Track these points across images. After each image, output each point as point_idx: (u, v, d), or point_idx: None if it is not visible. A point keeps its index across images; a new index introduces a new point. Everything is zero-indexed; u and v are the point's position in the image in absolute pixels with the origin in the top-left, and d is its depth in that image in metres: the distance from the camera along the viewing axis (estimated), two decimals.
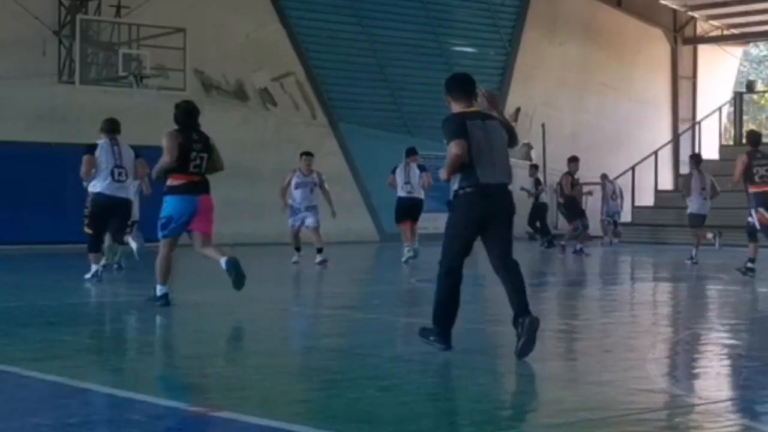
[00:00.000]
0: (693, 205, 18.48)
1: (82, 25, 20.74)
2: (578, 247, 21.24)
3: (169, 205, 10.40)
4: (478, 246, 7.78)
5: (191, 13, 22.19)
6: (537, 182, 24.52)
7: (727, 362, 7.79)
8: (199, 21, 22.37)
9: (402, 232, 18.43)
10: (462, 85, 7.78)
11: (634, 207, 28.08)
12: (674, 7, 31.02)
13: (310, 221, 16.94)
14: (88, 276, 13.10)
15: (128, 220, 13.73)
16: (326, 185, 17.24)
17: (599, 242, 26.55)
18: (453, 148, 7.42)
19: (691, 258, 17.79)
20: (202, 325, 9.81)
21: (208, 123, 25.62)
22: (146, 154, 17.32)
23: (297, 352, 8.24)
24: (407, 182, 18.11)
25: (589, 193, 24.08)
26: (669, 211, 27.41)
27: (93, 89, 20.94)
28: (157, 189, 12.54)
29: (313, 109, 24.96)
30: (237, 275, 10.27)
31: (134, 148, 14.01)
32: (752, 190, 14.63)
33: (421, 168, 18.20)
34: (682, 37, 32.05)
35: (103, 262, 13.45)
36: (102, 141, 13.19)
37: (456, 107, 7.71)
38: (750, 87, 34.35)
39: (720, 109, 31.06)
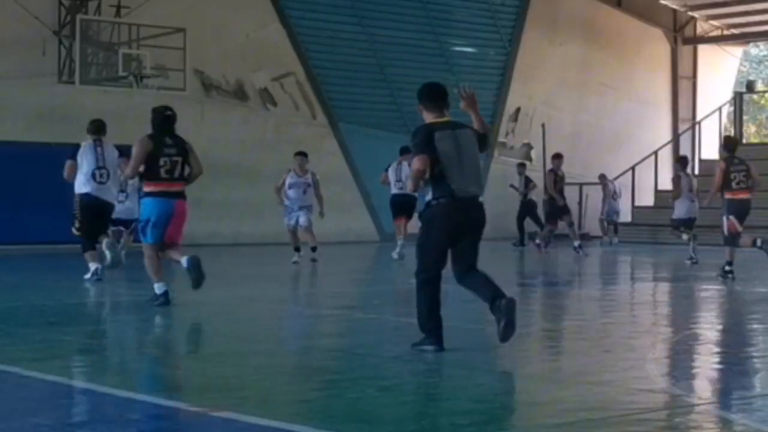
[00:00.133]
0: (681, 208, 18.56)
1: (82, 25, 20.74)
2: (538, 242, 21.24)
3: (147, 208, 10.53)
4: (479, 246, 7.78)
5: (191, 13, 22.19)
6: (527, 181, 24.41)
7: (727, 362, 7.79)
8: (199, 21, 22.36)
9: (396, 228, 18.61)
10: (434, 95, 7.87)
11: (634, 207, 28.07)
12: (674, 7, 31.01)
13: (302, 220, 17.00)
14: (87, 276, 13.12)
15: (108, 223, 13.73)
16: (320, 186, 17.22)
17: (598, 242, 26.57)
18: (415, 163, 7.56)
19: (691, 258, 17.85)
20: (202, 325, 9.81)
21: (208, 123, 25.90)
22: None
23: (297, 352, 8.24)
24: (399, 180, 18.39)
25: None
26: (669, 211, 27.34)
27: (93, 89, 20.94)
28: None
29: (313, 109, 24.96)
30: (197, 275, 10.39)
31: None
32: (728, 196, 14.69)
33: None
34: (682, 37, 32.04)
35: (107, 261, 13.45)
36: (86, 142, 13.26)
37: (428, 117, 7.81)
38: (750, 87, 34.34)
39: (720, 109, 31.04)
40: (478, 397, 6.25)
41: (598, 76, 29.80)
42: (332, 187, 22.84)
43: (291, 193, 17.10)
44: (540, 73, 28.44)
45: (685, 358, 8.24)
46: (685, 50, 32.18)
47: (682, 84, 32.10)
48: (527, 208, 24.11)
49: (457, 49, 27.34)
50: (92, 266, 13.15)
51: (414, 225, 18.87)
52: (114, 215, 14.80)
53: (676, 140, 31.30)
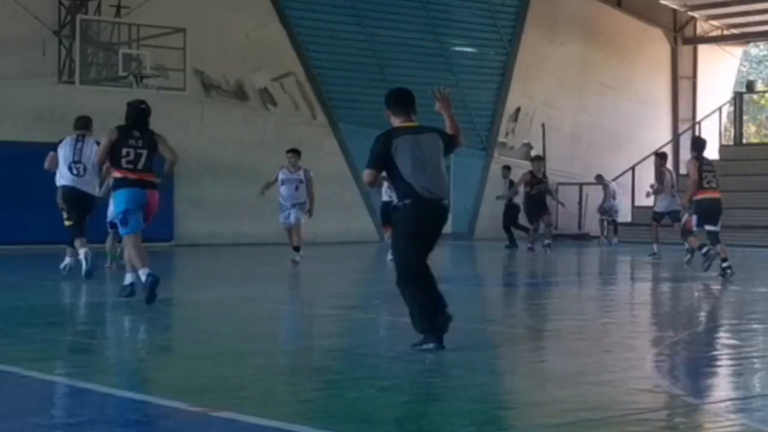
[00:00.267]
0: (663, 202, 18.84)
1: (82, 25, 20.73)
2: (530, 245, 21.27)
3: (121, 198, 10.69)
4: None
5: (191, 13, 22.19)
6: (510, 183, 24.34)
7: (727, 362, 7.79)
8: (199, 21, 22.36)
9: (386, 233, 18.75)
10: (399, 101, 8.11)
11: (634, 207, 28.07)
12: (674, 7, 31.01)
13: (292, 217, 17.02)
14: (61, 266, 13.71)
15: (88, 214, 13.86)
16: (313, 184, 17.12)
17: (597, 242, 26.58)
18: (364, 176, 7.94)
19: (654, 254, 18.38)
20: (202, 325, 9.81)
21: (208, 123, 25.91)
22: None
23: (297, 352, 8.24)
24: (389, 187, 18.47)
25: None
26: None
27: (93, 89, 20.93)
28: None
29: (313, 109, 24.96)
30: (150, 292, 10.52)
31: None
32: (699, 196, 14.77)
33: None
34: (682, 37, 32.03)
35: (69, 256, 13.84)
36: (69, 137, 13.58)
37: (395, 121, 8.04)
38: (750, 87, 34.34)
39: (720, 109, 31.04)
40: (478, 397, 6.25)
41: (598, 76, 29.80)
42: (332, 187, 22.87)
43: (283, 189, 17.14)
44: (540, 73, 28.44)
45: (685, 358, 8.24)
46: (685, 50, 32.17)
47: (682, 84, 32.10)
48: (511, 212, 24.04)
49: (457, 49, 27.34)
50: (68, 259, 13.70)
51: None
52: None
53: (676, 140, 31.30)
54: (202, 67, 23.04)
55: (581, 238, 27.69)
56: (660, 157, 19.74)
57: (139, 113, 10.88)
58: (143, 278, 10.50)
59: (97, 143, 13.47)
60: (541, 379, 6.96)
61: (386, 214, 18.86)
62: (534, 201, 21.72)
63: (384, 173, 8.00)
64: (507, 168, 25.10)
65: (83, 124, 13.80)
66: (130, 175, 10.62)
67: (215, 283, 14.78)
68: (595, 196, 27.70)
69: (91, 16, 21.21)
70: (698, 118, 31.39)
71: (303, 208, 17.05)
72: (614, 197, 27.17)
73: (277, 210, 17.44)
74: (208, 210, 23.19)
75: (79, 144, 13.48)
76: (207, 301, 11.95)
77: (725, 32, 32.32)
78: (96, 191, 13.90)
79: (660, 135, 30.89)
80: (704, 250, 15.39)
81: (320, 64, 25.02)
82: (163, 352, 8.27)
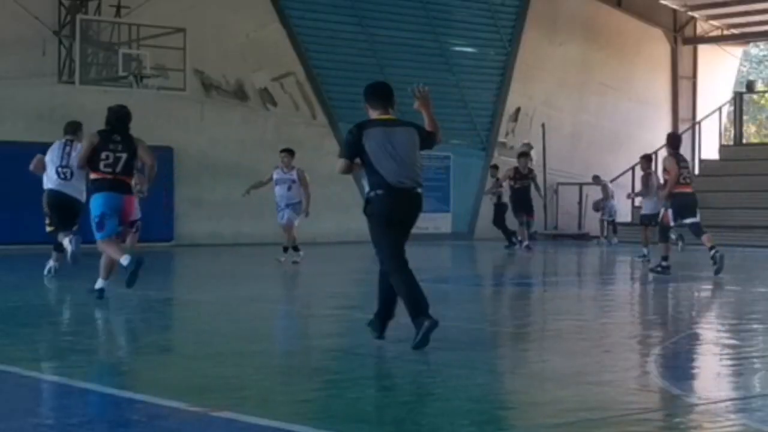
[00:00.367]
0: (650, 204, 18.85)
1: (82, 25, 20.73)
2: (526, 244, 21.30)
3: (98, 203, 10.82)
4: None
5: (191, 13, 22.19)
6: (497, 183, 24.34)
7: (727, 362, 7.79)
8: (199, 21, 22.37)
9: None
10: (376, 94, 8.22)
11: (634, 207, 28.05)
12: (674, 7, 31.01)
13: (285, 217, 17.05)
14: (45, 271, 13.78)
15: (76, 218, 13.90)
16: (307, 183, 17.03)
17: (596, 242, 26.58)
18: (336, 165, 8.16)
19: (644, 256, 18.30)
20: (202, 325, 9.81)
21: (208, 123, 25.90)
22: None
23: (297, 352, 8.23)
24: None
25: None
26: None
27: (93, 89, 20.93)
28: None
29: (313, 109, 24.96)
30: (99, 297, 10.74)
31: None
32: (675, 190, 15.01)
33: None
34: (682, 37, 32.03)
35: (67, 256, 13.88)
36: (57, 141, 13.64)
37: (372, 114, 8.14)
38: (750, 87, 34.33)
39: (720, 109, 31.05)
40: (478, 397, 6.25)
41: (598, 76, 29.80)
42: (332, 187, 22.85)
43: (277, 190, 17.18)
44: (540, 73, 28.44)
45: (685, 358, 8.24)
46: (685, 50, 32.17)
47: (682, 84, 32.10)
48: (499, 211, 24.05)
49: (457, 49, 27.34)
50: (51, 263, 13.82)
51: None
52: None
53: None
54: (202, 67, 23.04)
55: (581, 238, 27.70)
56: (645, 159, 19.72)
57: (119, 118, 11.05)
58: (125, 264, 10.61)
59: None
60: (541, 379, 6.96)
61: None
62: (518, 196, 21.90)
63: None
64: (495, 167, 25.06)
65: (72, 129, 13.86)
66: (108, 178, 10.78)
67: (215, 283, 14.79)
68: (594, 197, 27.70)
69: (91, 16, 21.21)
70: (698, 118, 31.39)
71: (296, 208, 17.03)
72: (612, 197, 27.18)
73: (276, 210, 17.45)
74: (208, 210, 23.19)
75: (68, 148, 13.49)
76: (207, 301, 11.95)
77: (725, 32, 32.32)
78: (83, 196, 13.95)
79: (660, 135, 30.77)
80: (680, 246, 15.60)
81: (320, 64, 25.03)
82: (163, 352, 8.27)
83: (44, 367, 7.18)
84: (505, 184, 22.46)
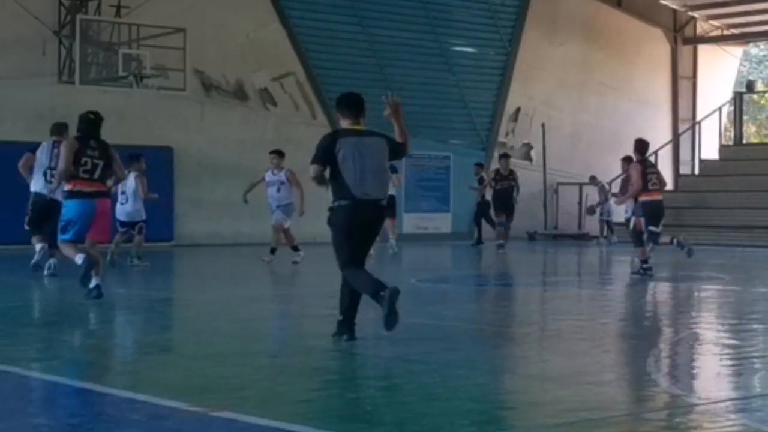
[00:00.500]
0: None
1: (82, 25, 20.73)
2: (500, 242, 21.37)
3: (69, 209, 11.02)
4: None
5: (191, 13, 22.19)
6: (481, 180, 24.35)
7: (727, 362, 7.79)
8: (199, 21, 22.37)
9: None
10: (348, 105, 8.55)
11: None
12: (674, 7, 31.01)
13: (274, 219, 17.07)
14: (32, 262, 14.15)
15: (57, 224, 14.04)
16: (297, 182, 16.86)
17: (596, 242, 26.57)
18: (310, 171, 8.23)
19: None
20: (202, 325, 9.81)
21: (208, 123, 25.86)
22: (147, 154, 17.40)
23: (297, 352, 8.23)
24: None
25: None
26: (669, 211, 27.34)
27: (93, 89, 20.93)
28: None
29: (313, 109, 24.96)
30: (86, 271, 10.78)
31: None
32: (644, 197, 15.00)
33: (392, 169, 18.99)
34: (682, 37, 32.04)
35: (36, 248, 14.38)
36: (45, 142, 13.68)
37: (343, 123, 8.43)
38: (750, 87, 34.34)
39: (720, 109, 31.05)
40: (478, 397, 6.25)
41: (598, 76, 29.80)
42: None
43: (269, 191, 17.21)
44: (540, 73, 28.44)
45: (685, 358, 8.24)
46: (685, 50, 32.17)
47: (682, 84, 32.10)
48: (481, 208, 24.06)
49: (457, 49, 27.34)
50: (38, 247, 14.27)
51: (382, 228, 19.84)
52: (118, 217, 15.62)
53: (676, 140, 31.31)
54: (202, 67, 23.04)
55: (581, 238, 27.70)
56: (626, 161, 19.61)
57: (89, 124, 11.20)
58: (79, 262, 10.80)
59: None
60: (541, 379, 6.96)
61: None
62: (499, 197, 22.10)
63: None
64: (480, 165, 25.04)
65: (58, 130, 13.95)
66: (85, 187, 10.93)
67: (215, 283, 14.79)
68: (595, 197, 27.70)
69: (91, 16, 21.20)
70: (698, 118, 31.40)
71: (287, 209, 16.99)
72: (609, 198, 27.16)
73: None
74: (208, 210, 23.19)
75: (56, 150, 13.54)
76: (207, 301, 11.95)
77: (725, 32, 32.32)
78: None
79: (660, 135, 30.88)
80: (675, 241, 15.65)
81: (320, 64, 25.02)
82: (163, 352, 8.27)
83: (44, 367, 7.18)
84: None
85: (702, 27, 32.25)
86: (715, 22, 31.93)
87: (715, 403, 6.12)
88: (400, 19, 26.14)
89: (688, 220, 26.39)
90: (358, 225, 8.17)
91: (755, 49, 42.51)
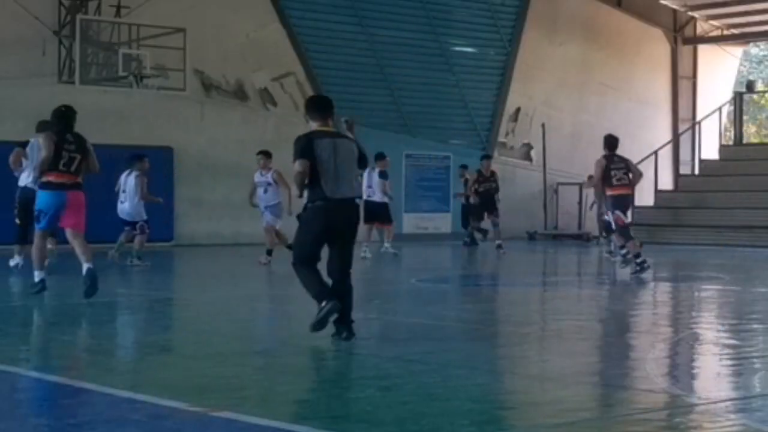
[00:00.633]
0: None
1: (82, 25, 20.72)
2: (466, 240, 21.48)
3: (41, 200, 11.20)
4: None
5: (191, 13, 22.19)
6: (465, 182, 24.38)
7: (727, 362, 7.79)
8: (199, 21, 22.36)
9: (366, 231, 19.18)
10: (317, 107, 8.65)
11: (634, 207, 28.02)
12: (674, 7, 31.00)
13: (263, 220, 17.10)
14: (11, 264, 14.21)
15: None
16: (284, 182, 16.78)
17: (596, 242, 26.55)
18: (296, 167, 8.24)
19: (611, 252, 18.45)
20: (202, 325, 9.81)
21: (208, 123, 25.84)
22: (147, 154, 17.39)
23: (297, 352, 8.24)
24: (369, 186, 19.30)
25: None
26: (669, 211, 27.42)
27: (93, 89, 20.92)
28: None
29: None
30: (90, 285, 10.84)
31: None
32: (609, 192, 15.36)
33: (382, 175, 19.45)
34: (682, 37, 32.03)
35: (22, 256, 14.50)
36: (34, 139, 13.83)
37: (312, 125, 8.52)
38: (750, 87, 34.32)
39: (720, 109, 31.03)
40: (478, 397, 6.25)
41: (598, 76, 29.79)
42: None
43: (257, 192, 17.23)
44: (540, 73, 28.43)
45: (685, 358, 8.24)
46: (685, 50, 32.16)
47: (682, 84, 32.09)
48: (465, 211, 24.07)
49: (457, 49, 27.33)
50: (17, 258, 14.42)
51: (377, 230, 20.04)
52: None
53: (676, 140, 31.30)
54: (202, 67, 23.04)
55: (581, 238, 27.70)
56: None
57: (60, 117, 11.35)
58: (36, 278, 11.16)
59: None
60: (541, 379, 6.96)
61: (372, 215, 19.42)
62: (482, 199, 22.21)
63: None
64: (464, 167, 25.04)
65: (44, 128, 13.99)
66: (62, 178, 11.07)
67: (215, 283, 14.79)
68: (592, 197, 27.68)
69: (91, 16, 21.20)
70: (698, 118, 31.38)
71: (275, 210, 16.95)
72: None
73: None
74: (208, 210, 23.19)
75: None
76: (207, 301, 11.96)
77: (725, 32, 32.31)
78: None
79: (660, 135, 30.90)
80: (624, 251, 15.87)
81: (320, 64, 25.02)
82: (163, 352, 8.27)
83: (44, 367, 7.18)
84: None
85: (702, 27, 32.25)
86: (715, 22, 31.92)
87: (715, 403, 6.13)
88: (400, 19, 26.13)
89: (688, 220, 26.41)
90: (332, 227, 8.26)
91: (755, 49, 42.50)
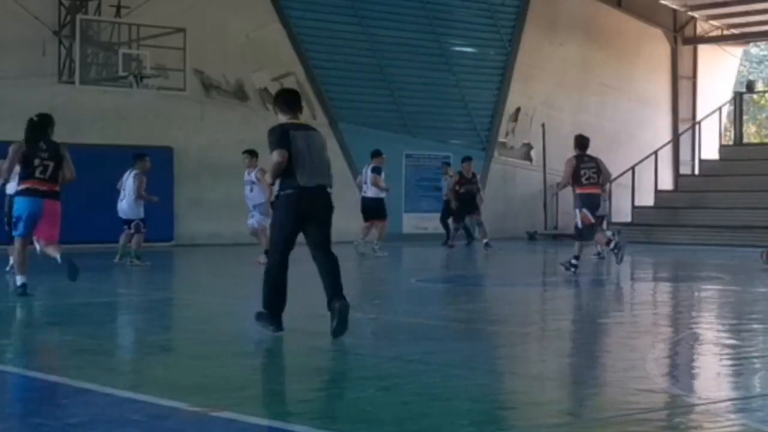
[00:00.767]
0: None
1: (82, 25, 20.73)
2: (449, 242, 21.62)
3: (18, 206, 11.38)
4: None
5: (191, 13, 22.19)
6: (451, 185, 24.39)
7: (727, 362, 7.79)
8: (199, 21, 22.36)
9: (364, 227, 19.76)
10: (287, 102, 8.81)
11: (634, 207, 28.08)
12: (674, 7, 31.00)
13: (249, 220, 17.11)
14: (7, 268, 14.03)
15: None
16: (265, 180, 16.85)
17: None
18: (275, 156, 8.36)
19: (598, 254, 18.43)
20: (202, 325, 9.81)
21: (208, 123, 25.84)
22: (147, 154, 17.39)
23: (297, 352, 8.24)
24: (365, 182, 19.61)
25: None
26: (669, 211, 27.42)
27: (93, 89, 20.93)
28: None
29: (313, 109, 24.94)
30: (70, 269, 11.07)
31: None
32: (579, 191, 15.58)
33: (375, 170, 19.53)
34: (682, 37, 32.03)
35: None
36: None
37: (282, 118, 8.71)
38: (750, 87, 34.32)
39: (720, 109, 31.04)
40: (478, 397, 6.25)
41: (598, 76, 29.80)
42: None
43: (245, 191, 17.27)
44: (540, 73, 28.44)
45: (685, 358, 8.24)
46: (685, 50, 32.17)
47: (682, 84, 32.09)
48: (447, 209, 24.09)
49: (457, 49, 27.33)
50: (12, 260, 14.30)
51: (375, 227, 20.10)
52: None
53: (676, 140, 31.30)
54: (202, 67, 23.04)
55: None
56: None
57: (32, 127, 11.67)
58: (18, 282, 11.24)
59: None
60: (541, 379, 6.96)
61: (366, 211, 19.49)
62: (462, 200, 22.42)
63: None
64: (447, 164, 25.02)
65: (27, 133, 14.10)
66: (37, 185, 11.21)
67: (215, 283, 14.79)
68: None
69: (91, 16, 21.20)
70: (698, 118, 31.39)
71: (262, 209, 16.91)
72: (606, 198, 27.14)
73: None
74: (208, 210, 23.18)
75: None
76: (207, 301, 11.96)
77: (725, 32, 32.31)
78: None
79: (660, 135, 30.90)
80: (612, 245, 15.95)
81: (320, 64, 25.02)
82: (163, 352, 8.27)
83: (44, 367, 7.18)
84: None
85: (702, 27, 32.25)
86: (715, 22, 31.93)
87: (715, 403, 6.13)
88: (400, 19, 26.14)
89: (688, 220, 26.42)
90: (306, 212, 8.40)
91: (755, 49, 42.50)
